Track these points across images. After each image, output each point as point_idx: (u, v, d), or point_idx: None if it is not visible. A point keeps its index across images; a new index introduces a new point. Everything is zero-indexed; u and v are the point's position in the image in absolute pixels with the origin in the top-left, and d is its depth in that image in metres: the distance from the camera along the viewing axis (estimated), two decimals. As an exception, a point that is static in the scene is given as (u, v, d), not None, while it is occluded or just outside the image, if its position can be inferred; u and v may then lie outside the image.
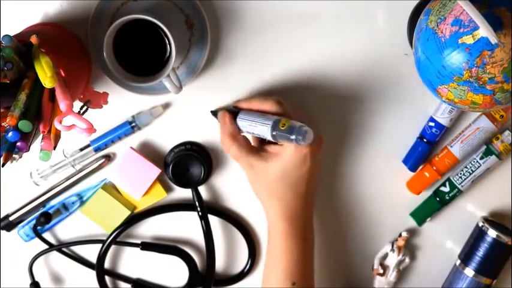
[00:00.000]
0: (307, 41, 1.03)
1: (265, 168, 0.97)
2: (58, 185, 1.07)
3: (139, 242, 1.08)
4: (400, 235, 1.08)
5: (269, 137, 0.95)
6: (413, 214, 1.08)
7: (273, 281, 1.00)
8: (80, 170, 1.06)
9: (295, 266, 0.99)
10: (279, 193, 0.98)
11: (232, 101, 1.03)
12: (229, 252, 1.10)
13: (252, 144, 1.01)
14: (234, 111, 1.00)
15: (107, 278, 1.09)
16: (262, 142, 1.00)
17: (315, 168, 0.99)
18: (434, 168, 1.05)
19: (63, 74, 0.89)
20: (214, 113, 1.03)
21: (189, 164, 1.05)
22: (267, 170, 0.97)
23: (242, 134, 0.99)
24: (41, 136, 0.88)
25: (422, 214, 1.08)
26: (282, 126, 0.92)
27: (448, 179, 1.06)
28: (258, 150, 0.99)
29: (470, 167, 1.04)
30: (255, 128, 0.96)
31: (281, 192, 0.98)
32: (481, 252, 1.04)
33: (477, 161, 1.04)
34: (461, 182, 1.05)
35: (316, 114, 1.05)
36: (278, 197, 0.98)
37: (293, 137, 0.91)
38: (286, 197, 0.98)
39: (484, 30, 0.81)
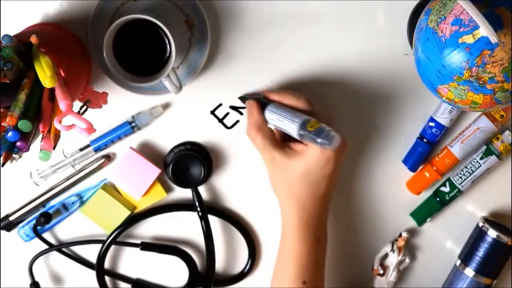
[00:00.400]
0: (307, 41, 1.03)
1: (287, 165, 0.97)
2: (58, 185, 1.07)
3: (139, 242, 1.08)
4: (400, 235, 1.08)
5: (295, 135, 0.95)
6: (414, 214, 1.08)
7: (284, 279, 1.00)
8: (80, 170, 1.06)
9: (307, 265, 0.99)
10: (297, 191, 0.98)
11: (262, 89, 1.03)
12: (229, 252, 1.10)
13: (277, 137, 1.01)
14: (262, 102, 1.00)
15: (107, 278, 1.09)
16: (287, 138, 1.00)
17: (337, 171, 0.99)
18: (435, 168, 1.05)
19: (63, 73, 0.89)
20: (243, 99, 1.03)
21: (189, 164, 1.05)
22: (289, 167, 0.97)
23: (268, 126, 0.99)
24: (40, 136, 0.88)
25: (423, 214, 1.08)
26: (310, 127, 0.92)
27: (448, 179, 1.06)
28: (282, 145, 0.99)
29: (471, 167, 1.04)
30: (282, 123, 0.96)
31: (300, 191, 0.98)
32: (481, 252, 1.04)
33: (477, 161, 1.04)
34: (462, 182, 1.05)
35: (316, 114, 1.05)
36: (296, 195, 0.98)
37: (319, 140, 0.91)
38: (304, 196, 0.98)
39: (484, 30, 0.81)
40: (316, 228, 1.00)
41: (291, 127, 0.95)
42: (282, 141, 1.00)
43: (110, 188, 1.07)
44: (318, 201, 0.99)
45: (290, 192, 0.98)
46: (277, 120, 0.97)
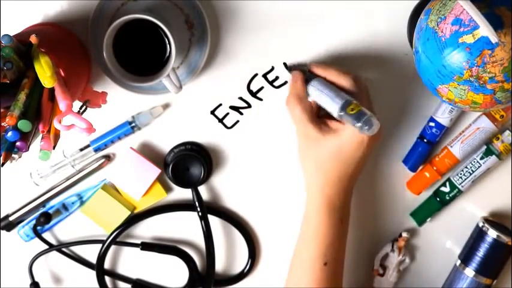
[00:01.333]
0: (306, 41, 1.03)
1: (320, 141, 0.97)
2: (58, 185, 1.07)
3: (139, 242, 1.08)
4: (400, 235, 1.08)
5: (335, 115, 0.95)
6: (414, 214, 1.08)
7: (305, 257, 1.00)
8: (80, 170, 1.06)
9: (329, 245, 0.99)
10: (326, 168, 0.98)
11: (308, 60, 1.03)
12: (229, 253, 1.10)
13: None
14: (307, 75, 1.00)
15: (106, 278, 1.09)
16: (324, 114, 1.00)
17: (367, 155, 0.98)
18: (435, 168, 1.05)
19: (62, 73, 0.89)
20: (288, 67, 1.03)
21: (189, 164, 1.05)
22: (322, 144, 0.97)
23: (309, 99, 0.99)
24: (40, 136, 0.88)
25: (423, 214, 1.07)
26: (351, 111, 0.92)
27: (448, 179, 1.06)
28: (319, 121, 0.98)
29: (471, 167, 1.04)
30: (323, 101, 0.96)
31: (329, 169, 0.98)
32: (481, 252, 1.03)
33: (477, 161, 1.04)
34: (462, 182, 1.05)
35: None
36: (325, 172, 0.98)
37: (359, 124, 0.91)
38: (332, 175, 0.98)
39: (484, 30, 0.81)
40: (340, 209, 1.00)
41: (332, 107, 0.95)
42: (319, 117, 1.00)
43: (110, 188, 1.07)
44: (345, 181, 0.99)
45: (319, 168, 0.98)
46: (318, 97, 0.97)
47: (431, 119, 1.04)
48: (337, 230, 1.00)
